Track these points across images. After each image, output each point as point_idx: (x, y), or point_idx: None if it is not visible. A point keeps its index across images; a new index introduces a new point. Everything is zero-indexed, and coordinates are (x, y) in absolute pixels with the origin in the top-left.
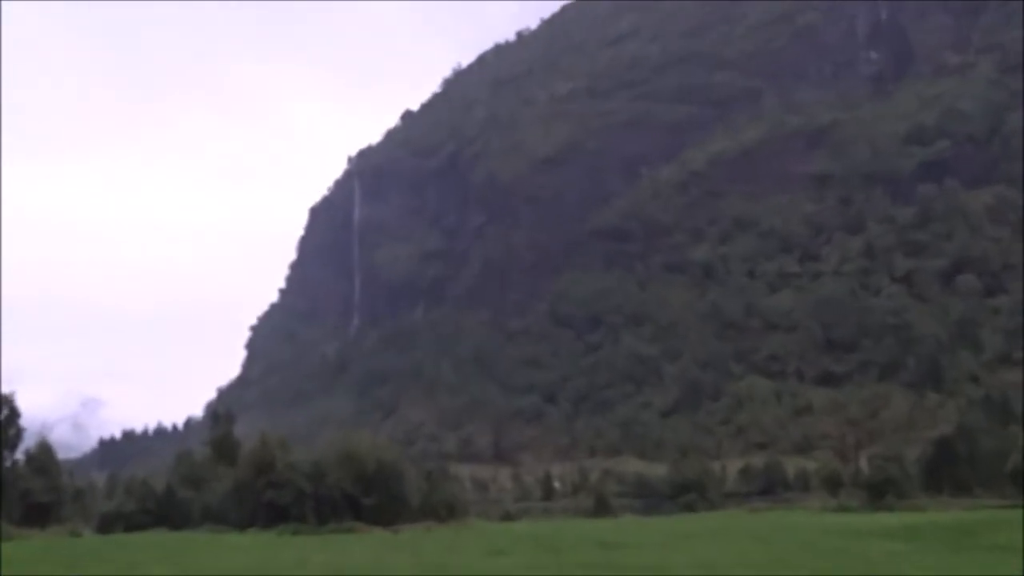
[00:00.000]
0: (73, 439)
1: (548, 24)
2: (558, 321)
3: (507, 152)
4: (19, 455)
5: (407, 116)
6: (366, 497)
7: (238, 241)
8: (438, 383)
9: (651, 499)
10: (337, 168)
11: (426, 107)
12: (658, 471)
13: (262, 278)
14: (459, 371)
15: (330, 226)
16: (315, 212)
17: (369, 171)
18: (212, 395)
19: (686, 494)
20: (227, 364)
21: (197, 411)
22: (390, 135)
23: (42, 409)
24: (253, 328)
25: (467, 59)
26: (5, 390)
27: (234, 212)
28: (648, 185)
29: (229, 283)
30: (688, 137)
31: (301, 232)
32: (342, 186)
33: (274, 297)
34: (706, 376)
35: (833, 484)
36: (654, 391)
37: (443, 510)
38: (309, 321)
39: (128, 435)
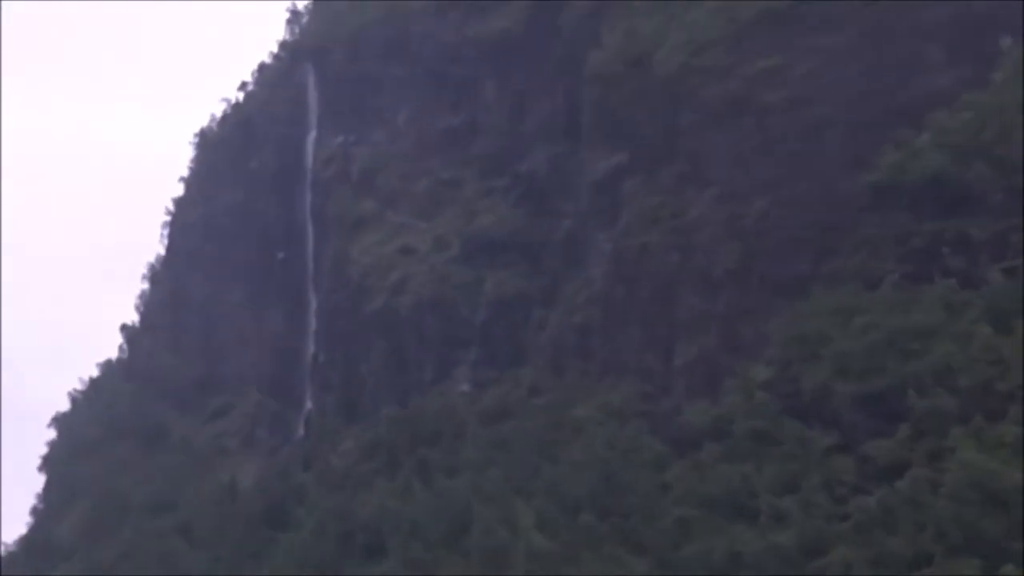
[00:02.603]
0: None
1: None
2: (798, 411)
3: None
4: None
5: None
6: None
7: (28, 217)
8: (510, 555)
9: None
10: (262, 39)
11: None
12: None
13: (73, 304)
14: (559, 528)
15: (246, 175)
16: (208, 142)
17: (340, 41)
18: None
19: None
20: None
21: None
22: None
23: None
24: (59, 423)
25: None
26: None
27: (23, 145)
28: (1019, 75)
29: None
30: None
31: (175, 193)
32: (274, 79)
33: (109, 347)
34: None
35: None
36: None
37: None
38: (194, 402)
39: None
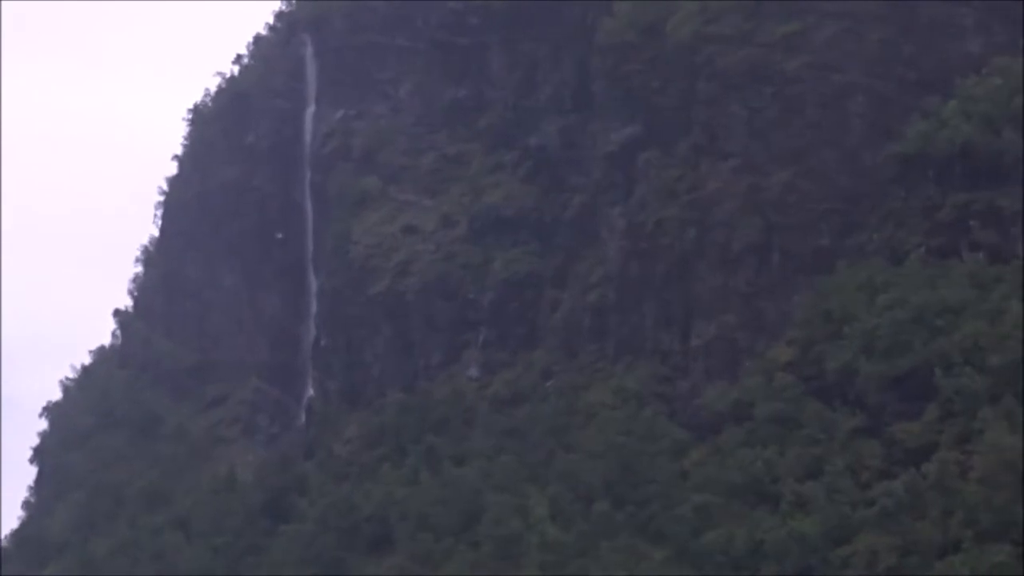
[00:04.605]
0: None
1: None
2: (821, 392)
3: None
4: None
5: None
6: None
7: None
8: (523, 546)
9: None
10: (258, 10)
11: None
12: None
13: (64, 290)
14: (574, 518)
15: (242, 152)
16: (202, 119)
17: (339, 10)
18: None
19: None
20: None
21: None
22: None
23: None
24: (51, 412)
25: None
26: None
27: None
28: None
29: None
30: None
31: (169, 172)
32: (270, 51)
33: (100, 334)
34: None
35: None
36: None
37: None
38: (191, 390)
39: None
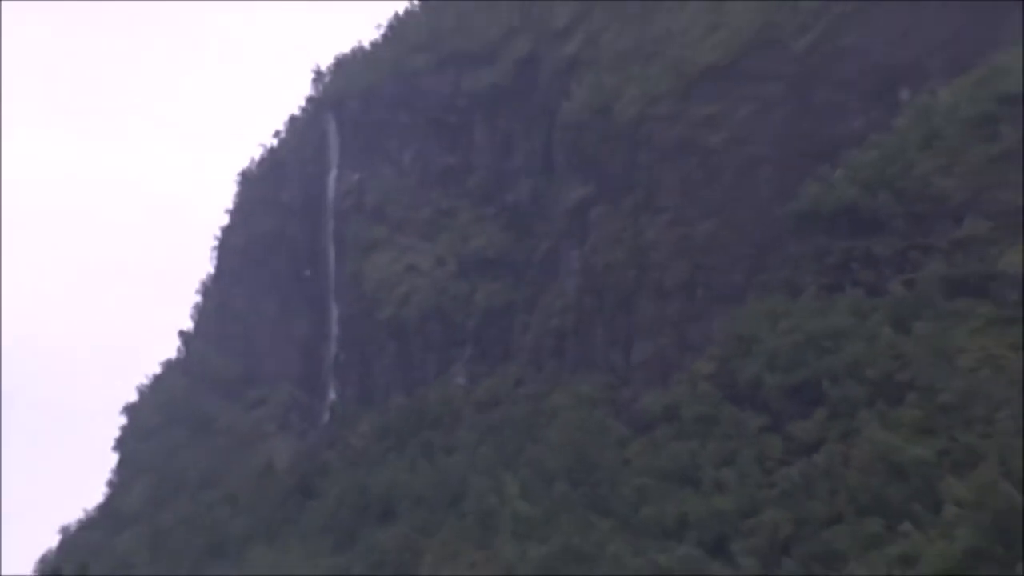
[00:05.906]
0: None
1: None
2: (735, 398)
3: (627, 57)
4: None
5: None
6: None
7: (91, 243)
8: (499, 519)
9: None
10: (292, 95)
11: None
12: None
13: (141, 314)
14: (540, 496)
15: (278, 207)
16: (248, 180)
17: (356, 95)
18: (50, 541)
19: None
20: (79, 481)
21: (23, 568)
22: (397, 32)
23: None
24: (129, 411)
25: None
26: None
27: (87, 183)
28: (916, 120)
29: (75, 325)
30: (1003, 25)
31: (222, 222)
32: (302, 127)
33: (168, 349)
34: None
35: None
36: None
37: None
38: (238, 394)
39: None
